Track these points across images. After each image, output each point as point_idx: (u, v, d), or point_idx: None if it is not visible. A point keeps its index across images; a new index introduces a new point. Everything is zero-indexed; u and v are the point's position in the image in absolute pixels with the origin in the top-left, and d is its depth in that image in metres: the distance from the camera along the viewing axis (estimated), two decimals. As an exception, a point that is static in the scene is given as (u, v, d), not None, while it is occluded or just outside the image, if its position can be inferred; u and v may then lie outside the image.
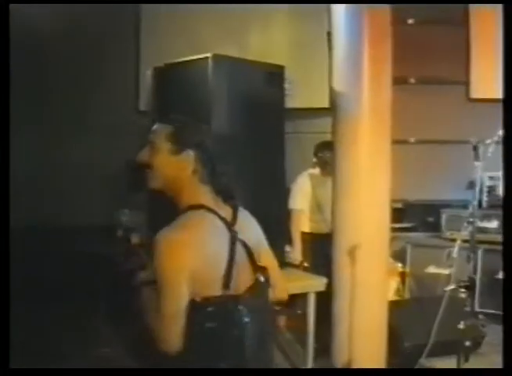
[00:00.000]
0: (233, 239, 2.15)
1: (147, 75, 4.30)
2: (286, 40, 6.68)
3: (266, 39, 6.75)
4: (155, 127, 2.26)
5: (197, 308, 2.04)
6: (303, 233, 5.24)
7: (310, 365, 4.22)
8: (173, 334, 2.04)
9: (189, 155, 2.18)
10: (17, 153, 7.01)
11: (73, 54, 6.91)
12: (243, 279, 2.16)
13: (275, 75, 4.15)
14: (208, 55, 3.48)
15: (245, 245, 2.20)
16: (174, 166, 2.19)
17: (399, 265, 5.97)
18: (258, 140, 3.97)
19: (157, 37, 6.82)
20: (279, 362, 4.89)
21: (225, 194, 2.24)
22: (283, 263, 4.39)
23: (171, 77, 3.82)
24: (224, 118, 3.61)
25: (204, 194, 2.20)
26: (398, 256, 6.16)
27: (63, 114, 6.91)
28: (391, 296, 5.37)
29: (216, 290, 2.09)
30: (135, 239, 2.29)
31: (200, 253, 2.06)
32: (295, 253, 5.15)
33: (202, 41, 6.40)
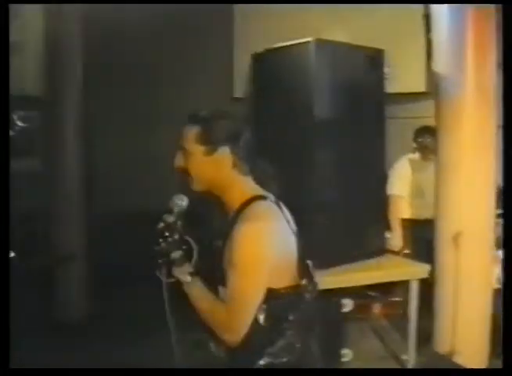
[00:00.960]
0: (291, 227, 2.15)
1: (244, 61, 4.33)
2: (383, 23, 6.57)
3: (364, 23, 6.64)
4: (184, 130, 2.16)
5: (276, 298, 2.05)
6: (403, 220, 5.16)
7: (413, 354, 4.17)
8: (245, 324, 2.03)
9: (225, 152, 2.10)
10: (113, 143, 7.27)
11: (166, 43, 7.03)
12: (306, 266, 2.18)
13: (375, 59, 4.10)
14: (310, 39, 3.47)
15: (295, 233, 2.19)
16: (212, 166, 2.12)
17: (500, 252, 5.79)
18: (358, 126, 3.94)
19: (251, 24, 6.82)
20: (377, 349, 4.85)
21: (267, 183, 2.20)
22: (383, 250, 4.37)
23: (270, 62, 3.83)
24: (325, 104, 3.60)
25: (251, 186, 2.16)
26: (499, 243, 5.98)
27: (159, 103, 7.04)
28: (495, 284, 5.24)
29: (292, 279, 2.10)
30: (180, 226, 2.18)
31: (279, 243, 2.05)
32: (395, 239, 5.09)
33: (296, 27, 6.37)
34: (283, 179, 3.56)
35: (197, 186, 2.16)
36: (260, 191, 2.14)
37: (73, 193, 5.89)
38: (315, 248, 3.46)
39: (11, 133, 7.79)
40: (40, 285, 5.60)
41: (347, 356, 4.55)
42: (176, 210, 2.17)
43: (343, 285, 3.87)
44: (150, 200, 7.00)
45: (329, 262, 3.67)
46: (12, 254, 5.20)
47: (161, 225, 2.17)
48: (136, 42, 6.78)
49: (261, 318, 2.05)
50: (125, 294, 6.12)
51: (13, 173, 7.48)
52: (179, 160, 2.16)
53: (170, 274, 2.17)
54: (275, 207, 2.12)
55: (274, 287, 2.05)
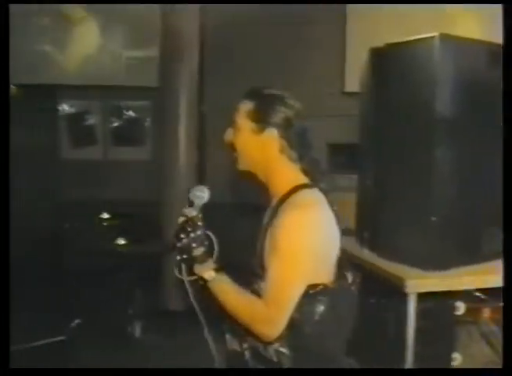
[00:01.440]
0: (338, 220, 2.08)
1: (357, 56, 4.27)
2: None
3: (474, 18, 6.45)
4: (239, 104, 2.14)
5: (325, 291, 2.00)
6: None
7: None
8: (286, 316, 1.96)
9: (273, 133, 2.08)
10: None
11: (278, 36, 7.05)
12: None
13: (497, 55, 3.95)
14: (435, 34, 3.39)
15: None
16: (258, 146, 2.09)
17: None
18: (478, 125, 3.82)
19: (364, 20, 6.77)
20: (485, 354, 4.69)
21: (313, 174, 2.14)
22: (499, 253, 4.19)
23: (391, 57, 3.77)
24: (447, 100, 3.51)
25: (298, 174, 2.11)
26: None
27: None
28: None
29: (333, 272, 2.05)
30: (200, 221, 2.11)
31: (326, 232, 2.00)
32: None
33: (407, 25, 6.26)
34: (401, 175, 3.53)
35: (242, 165, 2.13)
36: (307, 180, 2.09)
37: (183, 181, 5.99)
38: (430, 249, 3.43)
39: (119, 123, 8.10)
40: (151, 272, 5.76)
41: (456, 360, 4.43)
42: (197, 202, 2.12)
43: (456, 288, 3.76)
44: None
45: (443, 263, 3.58)
46: (123, 242, 5.41)
47: (182, 219, 2.10)
48: (249, 33, 6.86)
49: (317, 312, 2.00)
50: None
51: (125, 161, 7.78)
52: (229, 134, 2.15)
53: (191, 272, 2.10)
54: (322, 196, 2.07)
55: (326, 283, 2.01)
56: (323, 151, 6.61)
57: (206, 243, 2.09)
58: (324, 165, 6.64)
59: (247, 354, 2.12)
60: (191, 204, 2.11)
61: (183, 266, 2.10)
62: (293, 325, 1.98)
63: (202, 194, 2.12)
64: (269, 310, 1.94)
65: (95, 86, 7.74)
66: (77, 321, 4.54)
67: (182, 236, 2.08)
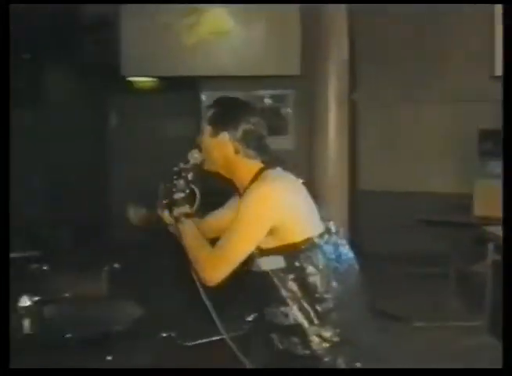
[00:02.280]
0: (305, 186, 2.30)
1: None
2: None
3: None
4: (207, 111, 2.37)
5: (313, 244, 2.21)
6: None
7: None
8: (224, 273, 2.17)
9: (224, 137, 2.29)
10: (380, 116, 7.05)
11: (429, 21, 6.85)
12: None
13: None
14: None
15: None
16: (216, 149, 2.32)
17: None
18: None
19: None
20: None
21: (280, 164, 2.32)
22: None
23: None
24: None
25: (258, 164, 2.30)
26: None
27: (420, 79, 6.91)
28: None
29: (318, 227, 2.26)
30: (190, 177, 2.38)
31: (293, 200, 2.22)
32: None
33: None
34: None
35: (207, 165, 2.39)
36: (266, 164, 2.30)
37: (333, 171, 5.95)
38: None
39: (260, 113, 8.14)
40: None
41: None
42: (191, 162, 2.39)
43: None
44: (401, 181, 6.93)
45: None
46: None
47: (175, 169, 2.39)
48: (399, 18, 6.71)
49: (311, 267, 2.19)
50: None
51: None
52: (199, 138, 2.39)
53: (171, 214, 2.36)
54: (284, 172, 2.30)
55: (311, 236, 2.21)
56: (474, 136, 6.37)
57: (187, 191, 2.36)
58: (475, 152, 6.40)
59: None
60: (186, 162, 2.40)
61: (165, 209, 2.39)
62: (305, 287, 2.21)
63: (197, 156, 2.39)
64: (213, 256, 2.19)
65: (236, 76, 7.81)
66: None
67: (168, 182, 2.39)
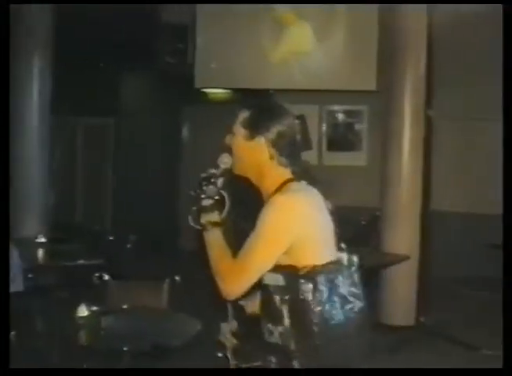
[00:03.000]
0: (328, 207, 2.23)
1: None
2: None
3: None
4: (238, 113, 2.30)
5: (316, 272, 2.10)
6: None
7: None
8: (244, 286, 2.12)
9: (261, 141, 2.23)
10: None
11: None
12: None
13: None
14: None
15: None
16: (249, 152, 2.25)
17: None
18: None
19: None
20: None
21: (305, 175, 2.27)
22: None
23: None
24: None
25: (287, 173, 2.24)
26: None
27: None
28: None
29: (325, 256, 2.16)
30: (220, 183, 2.30)
31: (314, 217, 2.15)
32: None
33: None
34: None
35: (237, 169, 2.31)
36: (293, 176, 2.24)
37: (407, 189, 5.79)
38: None
39: (333, 127, 8.08)
40: (369, 284, 5.64)
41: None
42: (222, 166, 2.32)
43: None
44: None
45: None
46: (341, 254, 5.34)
47: (203, 175, 2.33)
48: (478, 32, 6.51)
49: (308, 296, 2.09)
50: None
51: (340, 167, 7.70)
52: (228, 139, 2.31)
53: (199, 222, 2.27)
54: (309, 187, 2.23)
55: (316, 264, 2.12)
56: None
57: (216, 197, 2.29)
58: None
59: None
60: (216, 167, 2.33)
61: (195, 215, 2.30)
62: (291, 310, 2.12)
63: (228, 161, 2.32)
64: (233, 269, 2.13)
65: (310, 90, 7.75)
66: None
67: (197, 188, 2.31)
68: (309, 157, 7.99)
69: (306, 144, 8.01)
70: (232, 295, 2.16)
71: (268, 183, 2.25)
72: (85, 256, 4.54)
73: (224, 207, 2.28)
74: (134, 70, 8.59)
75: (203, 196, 2.30)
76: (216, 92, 8.74)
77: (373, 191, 6.26)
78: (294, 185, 2.21)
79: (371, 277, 5.67)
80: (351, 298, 2.19)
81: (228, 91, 8.62)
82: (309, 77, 7.58)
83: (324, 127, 8.25)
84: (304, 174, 2.29)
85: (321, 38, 7.51)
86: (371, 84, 7.05)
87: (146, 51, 7.62)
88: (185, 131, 10.01)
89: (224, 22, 7.48)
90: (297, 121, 2.33)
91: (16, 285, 4.60)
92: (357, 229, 6.45)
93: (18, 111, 6.14)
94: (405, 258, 5.52)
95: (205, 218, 2.26)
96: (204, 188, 2.31)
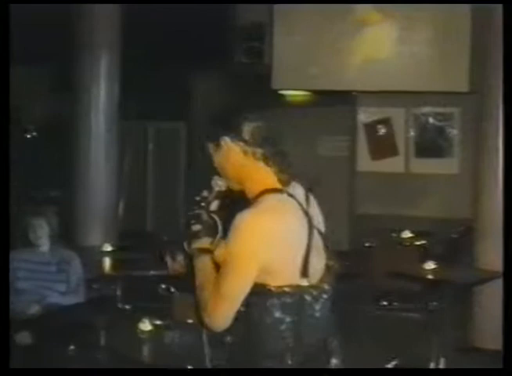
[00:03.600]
0: (310, 224, 2.15)
1: None
2: None
3: None
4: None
5: (270, 296, 2.08)
6: None
7: None
8: (225, 315, 2.10)
9: (225, 141, 2.21)
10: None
11: None
12: (318, 267, 2.17)
13: None
14: None
15: (319, 230, 2.21)
16: (223, 160, 2.23)
17: None
18: None
19: None
20: None
21: (286, 171, 2.22)
22: None
23: None
24: None
25: (268, 177, 2.21)
26: None
27: None
28: None
29: (291, 279, 2.11)
30: (214, 206, 2.30)
31: (281, 240, 2.09)
32: None
33: None
34: None
35: (230, 185, 2.28)
36: (276, 184, 2.20)
37: (501, 201, 5.54)
38: None
39: (422, 132, 7.90)
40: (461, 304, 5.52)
41: None
42: (216, 189, 2.30)
43: None
44: None
45: None
46: (432, 266, 5.15)
47: (197, 198, 2.31)
48: None
49: (255, 314, 2.10)
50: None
51: (429, 175, 7.54)
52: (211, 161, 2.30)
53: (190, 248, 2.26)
54: (289, 200, 2.18)
55: (270, 284, 2.09)
56: None
57: (206, 223, 2.27)
58: None
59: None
60: (210, 190, 2.32)
61: (187, 241, 2.29)
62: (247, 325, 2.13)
63: (221, 183, 2.30)
64: (209, 301, 2.11)
65: (396, 92, 7.61)
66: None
67: (189, 213, 2.32)
68: (396, 164, 7.87)
69: (392, 149, 7.89)
70: (216, 326, 2.14)
71: (249, 185, 2.23)
72: (154, 266, 4.53)
73: (217, 232, 2.26)
74: (206, 71, 8.60)
75: (192, 221, 2.29)
76: (295, 94, 8.62)
77: (464, 201, 6.07)
78: (270, 198, 2.16)
79: (464, 296, 5.52)
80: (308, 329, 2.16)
81: (309, 93, 8.51)
82: (394, 78, 7.47)
83: (411, 131, 8.06)
84: (288, 181, 2.22)
85: (406, 38, 7.41)
86: (462, 86, 6.86)
87: (219, 51, 7.63)
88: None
89: (304, 21, 7.47)
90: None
91: (78, 296, 4.68)
92: (447, 242, 6.27)
93: (84, 117, 6.25)
94: (502, 275, 5.27)
95: (194, 245, 2.26)
96: (193, 213, 2.31)
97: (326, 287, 2.20)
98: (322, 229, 2.26)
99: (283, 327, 2.12)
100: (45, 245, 4.73)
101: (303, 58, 7.53)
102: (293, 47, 7.48)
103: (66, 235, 5.01)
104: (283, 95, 8.55)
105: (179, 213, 9.53)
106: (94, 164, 6.28)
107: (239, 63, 7.79)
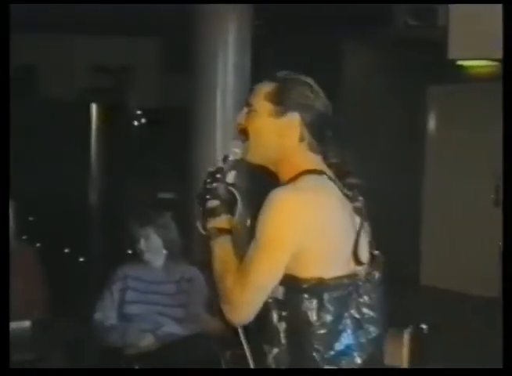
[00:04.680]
0: (359, 212, 2.25)
1: None
2: None
3: None
4: (256, 86, 2.34)
5: (323, 287, 2.13)
6: None
7: None
8: (252, 307, 2.14)
9: (294, 118, 2.25)
10: None
11: None
12: (365, 257, 2.25)
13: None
14: None
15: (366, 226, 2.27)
16: (276, 131, 2.25)
17: None
18: None
19: None
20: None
21: (340, 169, 2.29)
22: None
23: None
24: None
25: (313, 161, 2.26)
26: None
27: None
28: None
29: (340, 268, 2.18)
30: (230, 178, 2.34)
31: (325, 225, 2.14)
32: None
33: None
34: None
35: (253, 156, 2.32)
36: (320, 166, 2.26)
37: None
38: None
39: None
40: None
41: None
42: (231, 158, 2.36)
43: None
44: None
45: None
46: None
47: (210, 169, 2.37)
48: None
49: (312, 314, 2.12)
50: None
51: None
52: (241, 118, 2.32)
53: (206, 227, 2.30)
54: (330, 183, 2.23)
55: (323, 277, 2.13)
56: None
57: (223, 197, 2.30)
58: None
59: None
60: (225, 158, 2.34)
61: (201, 219, 2.31)
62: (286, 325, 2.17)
63: (238, 150, 2.33)
64: (233, 290, 2.13)
65: None
66: None
67: (202, 186, 2.34)
68: None
69: None
70: (239, 320, 2.19)
71: (285, 170, 2.27)
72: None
73: (235, 208, 2.31)
74: (360, 36, 8.23)
75: (208, 196, 2.32)
76: (478, 64, 7.95)
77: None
78: (310, 179, 2.21)
79: None
80: (365, 323, 2.21)
81: (496, 63, 7.56)
82: None
83: None
84: (333, 166, 2.29)
85: None
86: None
87: (377, 10, 7.22)
88: (431, 119, 9.36)
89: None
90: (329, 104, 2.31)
91: (201, 324, 4.23)
92: None
93: (206, 99, 5.97)
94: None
95: (211, 224, 2.28)
96: (209, 186, 2.33)
97: (377, 274, 2.27)
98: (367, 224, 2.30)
99: (323, 323, 2.13)
100: (157, 260, 4.33)
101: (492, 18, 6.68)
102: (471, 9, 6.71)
103: (185, 247, 4.57)
104: (462, 67, 8.03)
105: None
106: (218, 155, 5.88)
107: (404, 25, 7.23)
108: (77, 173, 8.12)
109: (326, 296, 2.12)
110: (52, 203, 7.77)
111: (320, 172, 2.23)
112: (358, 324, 2.18)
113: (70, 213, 7.80)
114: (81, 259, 7.81)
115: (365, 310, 2.19)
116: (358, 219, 2.23)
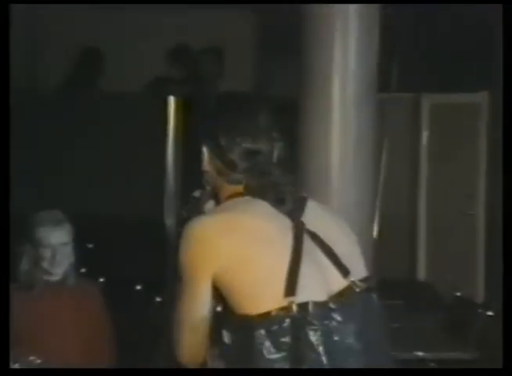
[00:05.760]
0: (298, 230, 2.31)
1: None
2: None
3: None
4: None
5: (254, 323, 2.18)
6: None
7: None
8: (191, 347, 2.30)
9: (204, 153, 2.47)
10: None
11: None
12: (331, 282, 2.29)
13: None
14: None
15: (321, 241, 2.32)
16: (205, 164, 2.48)
17: None
18: None
19: None
20: None
21: (275, 195, 2.39)
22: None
23: None
24: None
25: (237, 189, 2.42)
26: None
27: None
28: None
29: (275, 297, 2.22)
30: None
31: (245, 240, 2.25)
32: None
33: None
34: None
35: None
36: (243, 190, 2.42)
37: None
38: None
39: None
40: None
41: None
42: (208, 187, 2.61)
43: None
44: None
45: None
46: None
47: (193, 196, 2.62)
48: None
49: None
50: None
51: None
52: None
53: None
54: (258, 202, 2.34)
55: (250, 312, 2.21)
56: None
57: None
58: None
59: None
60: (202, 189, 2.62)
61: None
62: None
63: (198, 194, 2.60)
64: (176, 332, 2.34)
65: None
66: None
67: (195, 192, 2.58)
68: None
69: None
70: (186, 362, 2.32)
71: (219, 195, 2.47)
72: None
73: None
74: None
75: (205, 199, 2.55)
76: None
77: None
78: (230, 203, 2.37)
79: None
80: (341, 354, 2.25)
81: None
82: None
83: None
84: (264, 188, 2.36)
85: None
86: None
87: None
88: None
89: None
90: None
91: None
92: None
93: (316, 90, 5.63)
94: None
95: None
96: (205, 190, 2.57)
97: (345, 307, 2.25)
98: (327, 240, 2.33)
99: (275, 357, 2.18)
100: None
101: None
102: None
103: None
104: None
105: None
106: (335, 157, 5.54)
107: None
108: (150, 187, 7.50)
109: (261, 332, 2.18)
110: (117, 226, 7.22)
111: (241, 194, 2.37)
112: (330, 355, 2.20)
113: (142, 238, 7.30)
114: (158, 299, 7.26)
115: (336, 338, 2.22)
116: (307, 239, 2.29)
